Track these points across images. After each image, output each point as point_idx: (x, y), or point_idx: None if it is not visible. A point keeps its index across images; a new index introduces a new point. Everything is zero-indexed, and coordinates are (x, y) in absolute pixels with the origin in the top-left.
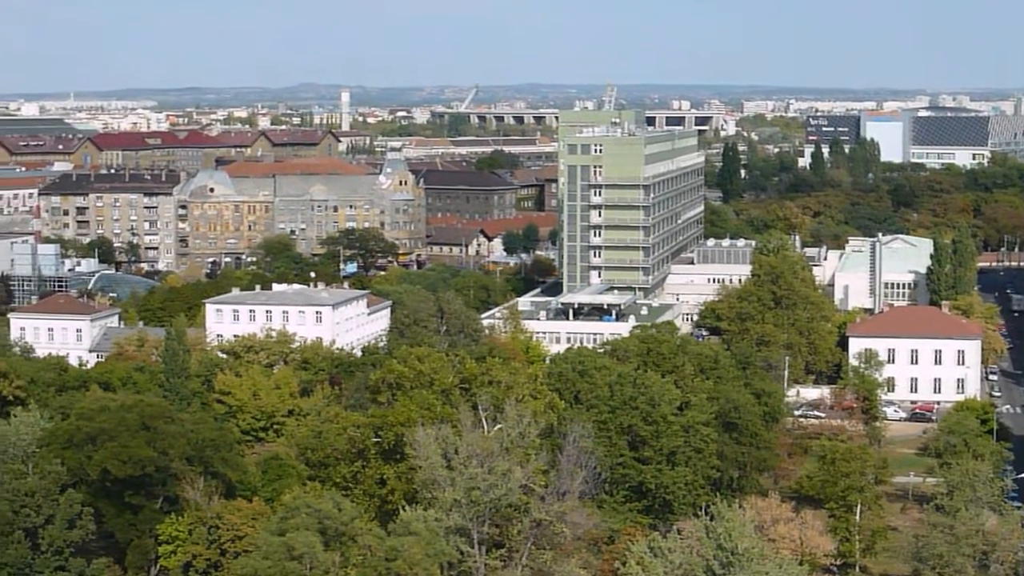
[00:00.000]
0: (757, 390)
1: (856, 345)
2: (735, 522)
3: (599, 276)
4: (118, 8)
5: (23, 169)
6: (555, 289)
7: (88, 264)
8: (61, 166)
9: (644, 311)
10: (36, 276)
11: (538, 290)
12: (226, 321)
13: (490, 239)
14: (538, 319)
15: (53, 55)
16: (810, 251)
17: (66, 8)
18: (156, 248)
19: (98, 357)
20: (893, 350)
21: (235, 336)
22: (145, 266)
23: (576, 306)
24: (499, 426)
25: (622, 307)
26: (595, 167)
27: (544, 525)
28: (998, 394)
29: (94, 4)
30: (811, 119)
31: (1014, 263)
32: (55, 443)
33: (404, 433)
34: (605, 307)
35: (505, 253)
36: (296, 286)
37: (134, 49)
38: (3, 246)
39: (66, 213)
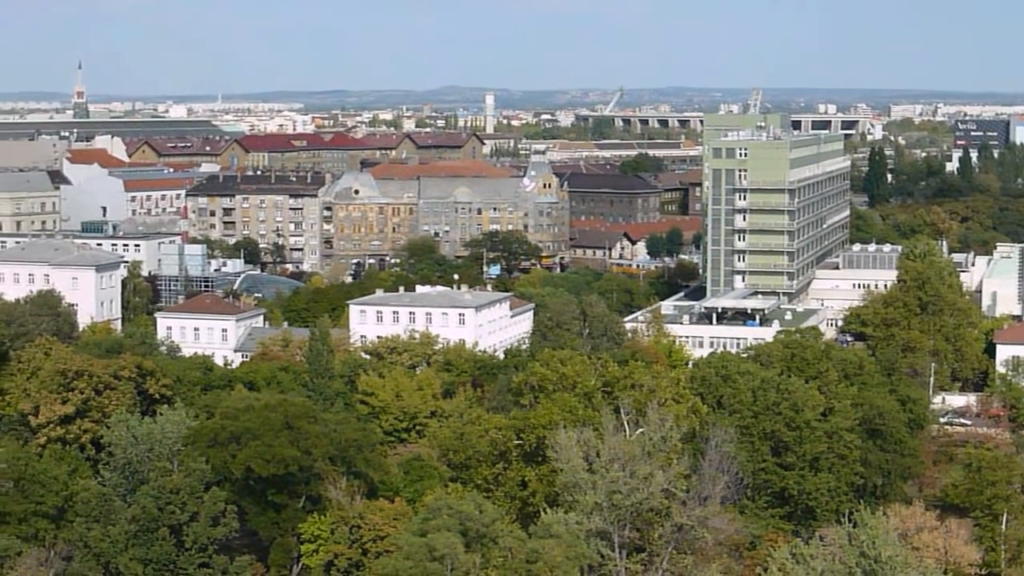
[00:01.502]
0: (902, 397)
1: (1004, 352)
2: (878, 529)
3: (743, 280)
4: (264, 11)
5: (171, 170)
6: (698, 293)
7: (234, 265)
8: (208, 168)
9: (788, 316)
10: (183, 276)
11: (681, 294)
12: (370, 322)
13: (634, 242)
14: (681, 323)
15: (201, 58)
16: (957, 257)
17: (215, 12)
18: (301, 249)
19: (243, 357)
20: None
21: (378, 337)
22: (290, 267)
23: (720, 310)
24: (641, 430)
25: (766, 312)
26: (740, 171)
27: (685, 530)
28: None
29: (242, 8)
30: (959, 123)
31: None
32: (200, 441)
33: (546, 436)
34: (749, 312)
35: (648, 256)
36: (439, 288)
37: (281, 52)
38: (151, 246)
39: (213, 214)
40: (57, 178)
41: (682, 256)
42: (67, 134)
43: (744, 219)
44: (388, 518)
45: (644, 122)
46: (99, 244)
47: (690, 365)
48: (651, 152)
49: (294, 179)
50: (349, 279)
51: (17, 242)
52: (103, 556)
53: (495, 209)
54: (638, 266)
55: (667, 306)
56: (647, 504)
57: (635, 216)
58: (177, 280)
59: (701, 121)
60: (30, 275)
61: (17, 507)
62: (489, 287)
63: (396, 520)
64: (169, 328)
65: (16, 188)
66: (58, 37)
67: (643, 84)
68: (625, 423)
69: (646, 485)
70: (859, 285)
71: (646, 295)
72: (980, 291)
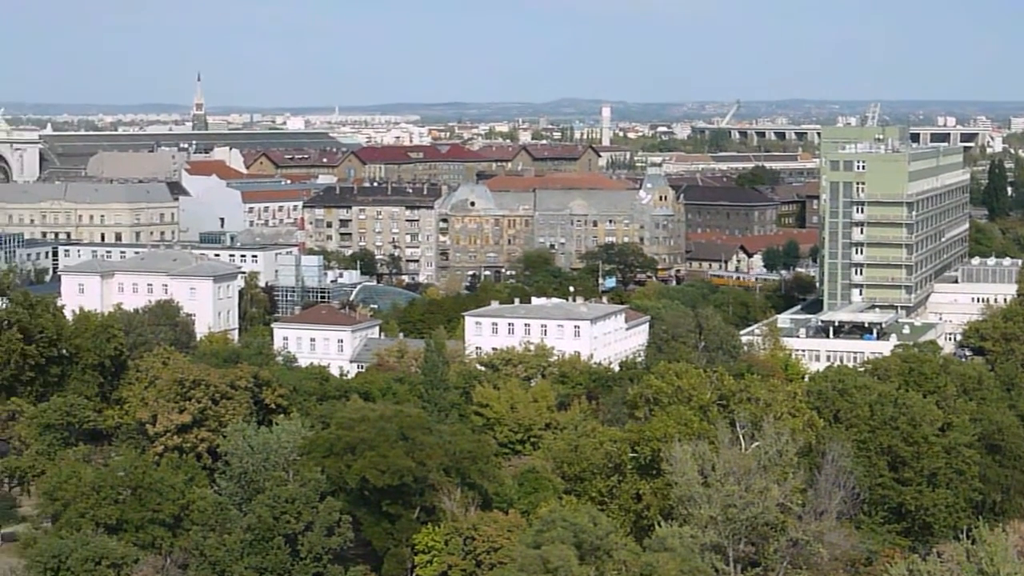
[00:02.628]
0: (1022, 412)
1: None
2: (997, 546)
3: (860, 294)
4: (381, 23)
5: (288, 182)
6: (815, 306)
7: (350, 276)
8: (325, 179)
9: (906, 330)
10: (299, 287)
11: (798, 307)
12: (485, 334)
13: (750, 255)
14: (798, 336)
15: (318, 70)
16: None
17: (333, 24)
18: (417, 261)
19: (359, 367)
20: None
21: (494, 349)
22: (406, 278)
23: (837, 324)
24: (757, 443)
25: (884, 325)
26: (858, 184)
27: (801, 545)
28: None
29: (359, 20)
30: None
31: None
32: (316, 451)
33: (661, 448)
34: (866, 325)
35: (765, 269)
36: (555, 300)
37: (398, 64)
38: (268, 257)
39: (329, 225)
40: (176, 189)
41: (799, 269)
42: (186, 146)
43: (862, 232)
44: (502, 530)
45: (761, 134)
46: (217, 255)
47: (806, 379)
48: (768, 164)
49: (410, 191)
50: (465, 291)
51: (136, 252)
52: (218, 565)
53: (611, 221)
54: (754, 279)
55: (783, 319)
56: (762, 518)
57: (751, 229)
58: (294, 291)
59: (819, 133)
60: (149, 285)
61: (134, 515)
62: (604, 299)
63: (510, 532)
64: (285, 338)
65: (136, 199)
66: (178, 50)
67: (760, 96)
68: (741, 436)
69: (761, 499)
70: (978, 299)
71: (762, 308)
72: None
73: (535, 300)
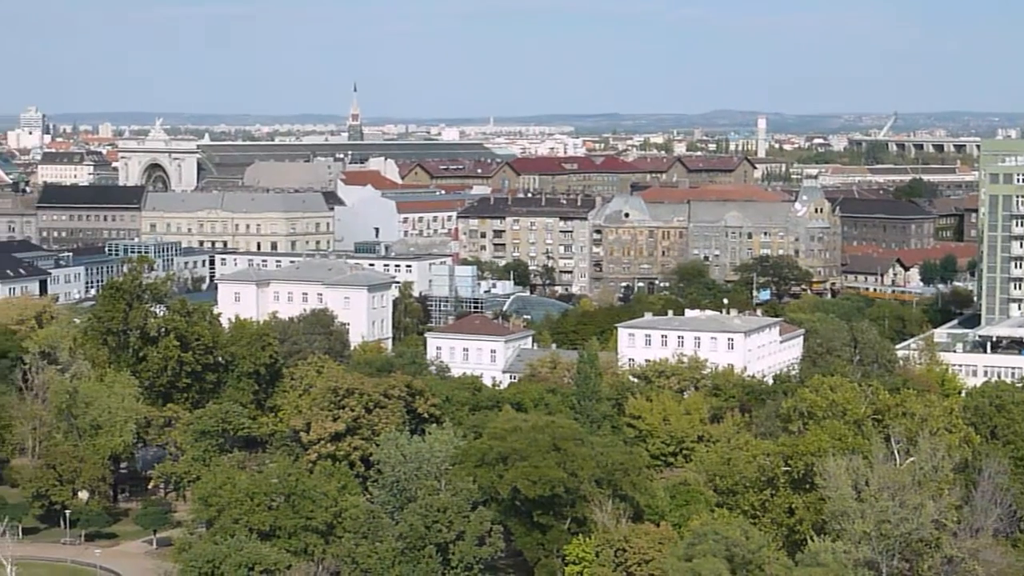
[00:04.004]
0: None
1: None
2: None
3: (1019, 309)
4: (536, 35)
5: (443, 192)
6: (973, 321)
7: (503, 286)
8: (480, 190)
9: None
10: (453, 297)
11: (955, 322)
12: (638, 345)
13: (907, 268)
14: (955, 351)
15: (474, 81)
16: None
17: (487, 35)
18: (570, 271)
19: (511, 378)
20: None
21: (646, 360)
22: (559, 289)
23: (995, 339)
24: (912, 459)
25: None
26: (1018, 197)
27: (956, 562)
28: None
29: (514, 32)
30: None
31: None
32: (468, 461)
33: (814, 463)
34: None
35: (922, 283)
36: (709, 312)
37: (553, 75)
38: (422, 267)
39: (483, 236)
40: (331, 199)
41: (956, 283)
42: (342, 156)
43: (1021, 246)
44: (653, 542)
45: (919, 147)
46: (371, 264)
47: (963, 394)
48: (926, 177)
49: (564, 202)
50: (618, 302)
51: (292, 261)
52: (370, 572)
53: (766, 234)
54: (911, 293)
55: (940, 334)
56: (917, 535)
57: (908, 242)
58: (447, 301)
59: (978, 146)
60: (304, 294)
61: (288, 521)
62: (759, 312)
63: (661, 544)
64: (439, 348)
65: (292, 208)
66: (334, 61)
67: (918, 108)
68: (896, 452)
69: (916, 515)
70: None
71: (919, 322)
72: None
73: (688, 312)
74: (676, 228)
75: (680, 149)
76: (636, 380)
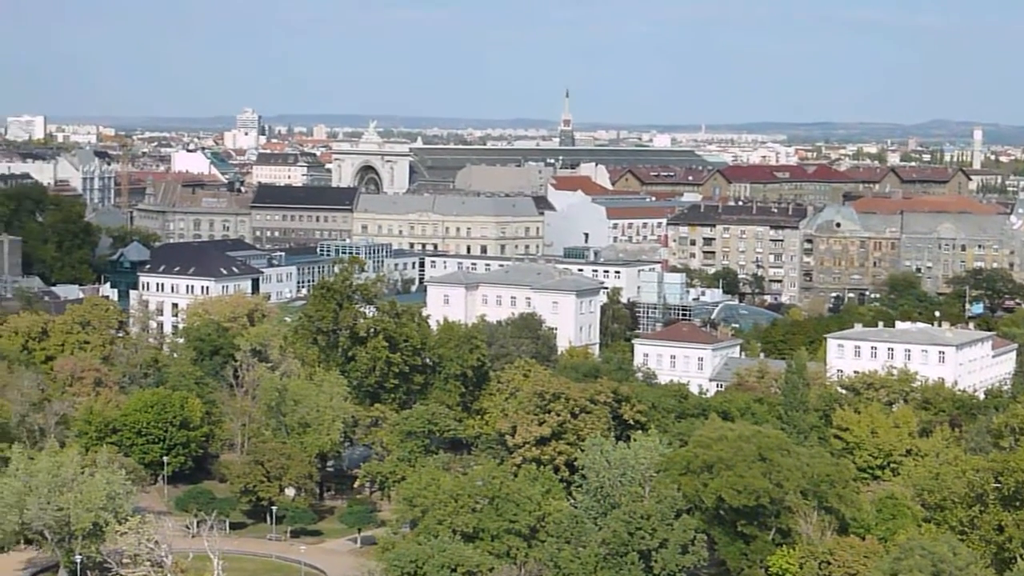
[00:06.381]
0: None
1: None
2: None
3: None
4: (750, 41)
5: (653, 199)
6: None
7: (712, 294)
8: (690, 197)
9: None
10: (661, 304)
11: None
12: (847, 357)
13: None
14: None
15: (685, 88)
16: None
17: (700, 41)
18: (780, 281)
19: (718, 386)
20: None
21: (855, 372)
22: (768, 298)
23: None
24: None
25: None
26: None
27: None
28: None
29: (728, 37)
30: None
31: None
32: (673, 469)
33: None
34: None
35: None
36: (919, 325)
37: (766, 84)
38: (631, 273)
39: (693, 243)
40: (542, 203)
41: None
42: (552, 161)
43: None
44: (859, 556)
45: None
46: (580, 270)
47: None
48: None
49: (775, 210)
50: (827, 312)
51: (501, 265)
52: None
53: (980, 246)
54: None
55: None
56: None
57: None
58: (655, 308)
59: None
60: (512, 298)
61: (492, 524)
62: (971, 325)
63: (867, 558)
64: (646, 355)
65: (502, 212)
66: (547, 67)
67: None
68: None
69: None
70: None
71: None
72: None
73: (899, 324)
74: (888, 239)
75: (894, 159)
76: (844, 391)
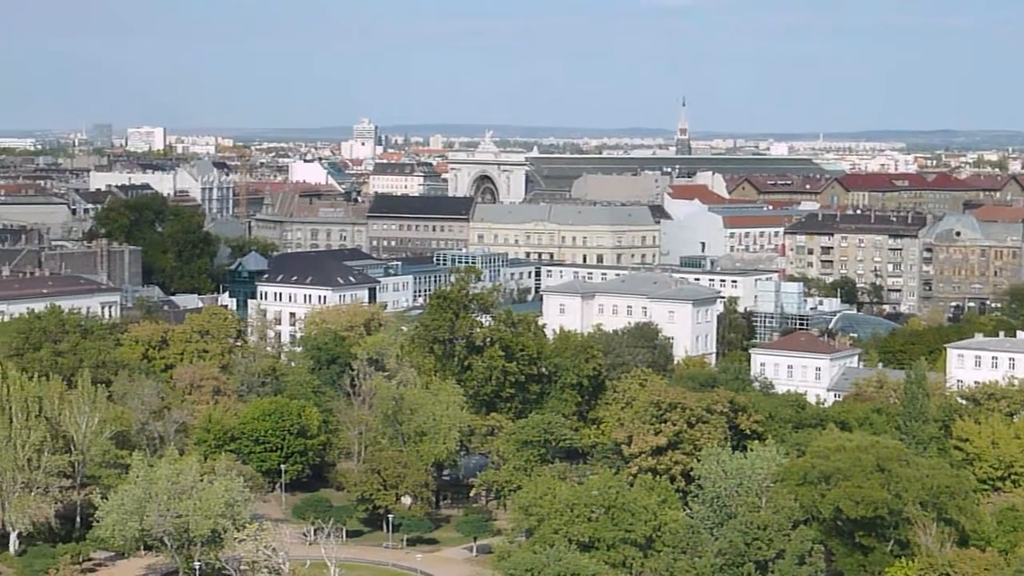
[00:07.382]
0: None
1: None
2: None
3: None
4: (867, 49)
5: (770, 208)
6: None
7: (830, 303)
8: (808, 205)
9: None
10: (779, 313)
11: None
12: (967, 367)
13: None
14: None
15: (803, 96)
16: None
17: (814, 49)
18: (899, 290)
19: (836, 396)
20: None
21: (976, 382)
22: (887, 307)
23: None
24: None
25: None
26: None
27: None
28: None
29: (844, 44)
30: None
31: None
32: (790, 479)
33: None
34: None
35: None
36: None
37: (884, 91)
38: (748, 282)
39: (810, 252)
40: (658, 213)
41: None
42: (669, 170)
43: None
44: (979, 568)
45: None
46: (697, 279)
47: None
48: None
49: (894, 219)
50: (947, 322)
51: (617, 274)
52: None
53: None
54: None
55: None
56: None
57: None
58: (773, 317)
59: None
60: (628, 307)
61: (607, 533)
62: None
63: (987, 571)
64: (763, 364)
65: (618, 221)
66: (663, 75)
67: None
68: None
69: None
70: None
71: None
72: None
73: (1021, 334)
74: (1010, 248)
75: (1015, 167)
76: (965, 402)
